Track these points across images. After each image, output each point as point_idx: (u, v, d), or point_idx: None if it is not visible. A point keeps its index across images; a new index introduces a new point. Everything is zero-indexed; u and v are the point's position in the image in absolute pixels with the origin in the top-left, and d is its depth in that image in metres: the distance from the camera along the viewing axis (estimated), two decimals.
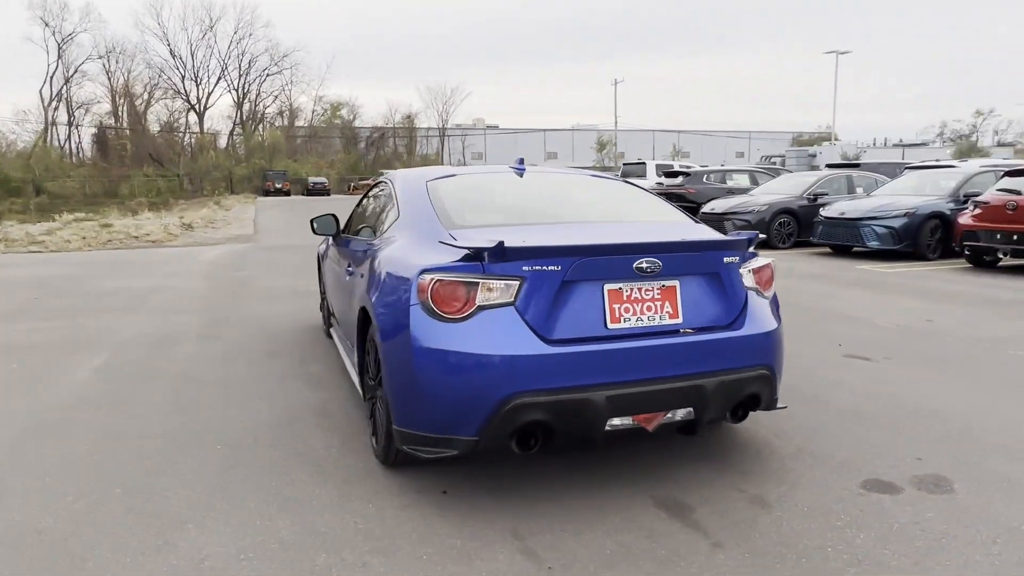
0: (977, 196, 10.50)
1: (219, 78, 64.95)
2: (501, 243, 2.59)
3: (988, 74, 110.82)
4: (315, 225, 4.86)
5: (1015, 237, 9.11)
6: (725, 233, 3.28)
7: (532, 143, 74.90)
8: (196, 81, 60.99)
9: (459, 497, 2.91)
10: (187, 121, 61.77)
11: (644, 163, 21.66)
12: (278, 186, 45.14)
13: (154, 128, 59.37)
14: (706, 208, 13.84)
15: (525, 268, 2.65)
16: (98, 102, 59.72)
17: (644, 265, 2.74)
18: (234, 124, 63.00)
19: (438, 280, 2.69)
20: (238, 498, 2.93)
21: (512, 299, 2.66)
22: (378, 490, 2.99)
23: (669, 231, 3.24)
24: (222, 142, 61.55)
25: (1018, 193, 9.31)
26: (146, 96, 60.14)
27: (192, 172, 50.74)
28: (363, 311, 3.38)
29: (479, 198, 3.62)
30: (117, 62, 59.29)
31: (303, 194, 46.32)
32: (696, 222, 3.56)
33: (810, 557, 2.44)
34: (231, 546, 2.54)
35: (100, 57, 58.24)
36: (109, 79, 58.31)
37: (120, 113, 59.51)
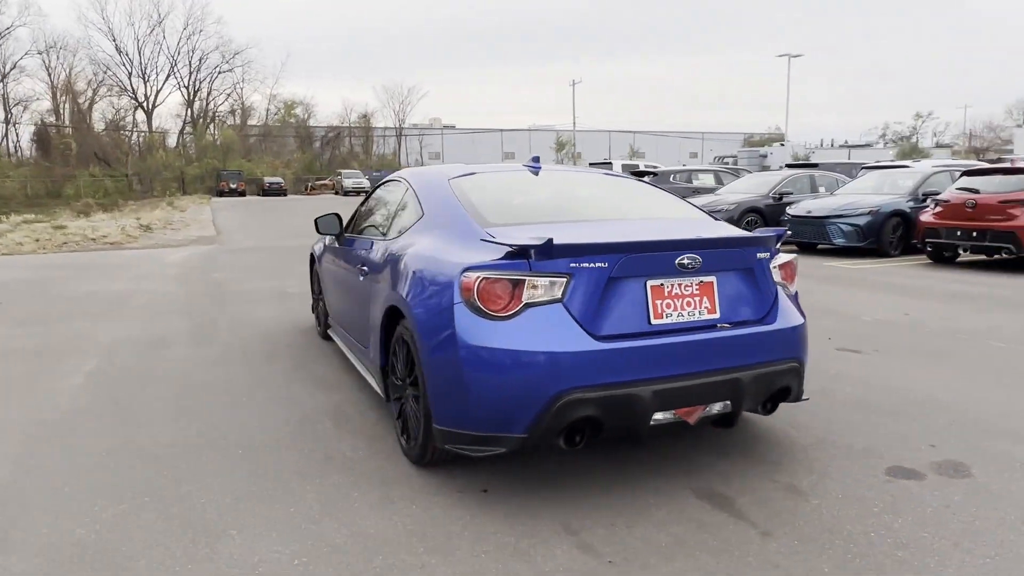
0: (935, 195, 10.96)
1: (168, 75, 63.20)
2: (550, 240, 2.61)
3: (927, 78, 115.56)
4: (319, 225, 4.78)
5: (974, 234, 9.54)
6: None
7: (490, 143, 74.83)
8: (144, 78, 59.05)
9: (502, 495, 2.91)
10: (134, 119, 59.82)
11: (610, 163, 21.90)
12: (233, 186, 44.03)
13: (99, 126, 57.33)
14: None
15: (572, 265, 2.67)
16: (37, 99, 57.38)
17: (685, 261, 2.79)
18: (184, 123, 61.24)
19: (484, 278, 2.69)
20: (275, 503, 2.87)
21: (560, 296, 2.67)
22: (417, 491, 2.97)
23: (703, 228, 3.30)
24: (172, 141, 59.75)
25: (976, 192, 9.75)
26: (90, 93, 58.02)
27: (141, 172, 49.09)
28: (391, 311, 3.35)
29: (505, 196, 3.62)
30: (58, 58, 56.96)
31: (258, 194, 45.34)
32: (716, 219, 3.64)
33: (856, 542, 2.52)
34: (282, 552, 2.49)
35: (40, 52, 55.81)
36: (50, 75, 56.04)
37: (61, 111, 57.23)
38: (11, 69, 54.21)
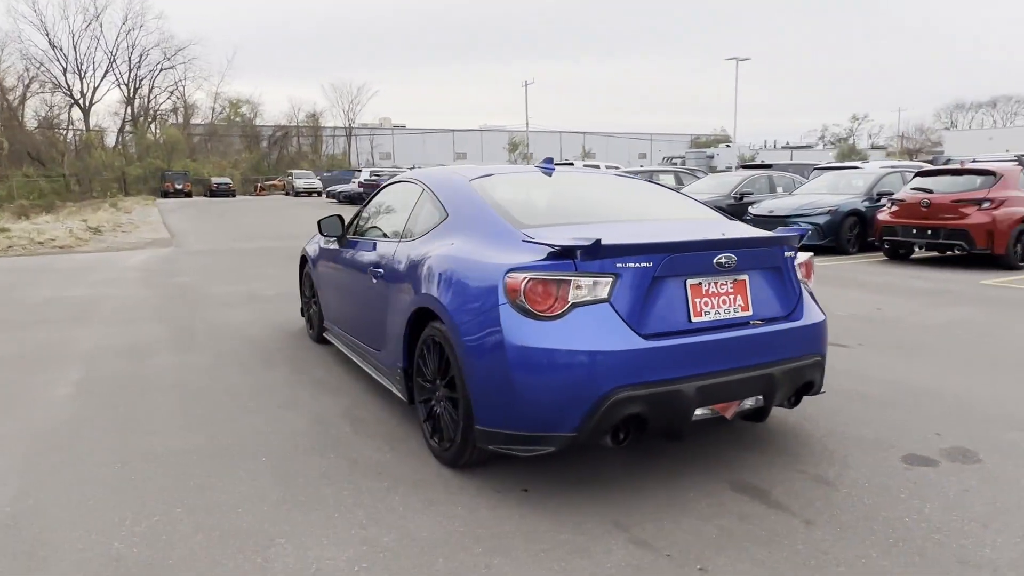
0: (889, 194, 11.45)
1: (106, 71, 60.65)
2: (598, 240, 2.64)
3: (864, 82, 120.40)
4: (322, 226, 4.71)
5: (929, 232, 10.00)
6: None
7: (441, 143, 74.53)
8: (80, 74, 56.52)
9: (544, 494, 2.93)
10: (70, 117, 57.24)
11: (572, 163, 22.09)
12: (179, 187, 42.59)
13: (32, 124, 54.66)
14: None
15: (619, 265, 2.71)
16: None
17: (723, 260, 2.87)
18: (124, 121, 58.89)
19: (531, 279, 2.70)
20: (312, 509, 2.82)
21: (607, 296, 2.71)
22: (456, 492, 2.96)
23: (731, 227, 3.39)
24: (111, 140, 57.46)
25: (930, 192, 10.22)
26: (21, 89, 55.26)
27: (79, 172, 47.06)
28: (419, 313, 3.32)
29: (529, 198, 3.64)
30: None
31: (206, 195, 44.04)
32: (730, 218, 3.74)
33: (894, 527, 2.64)
34: (338, 558, 2.46)
35: None
36: None
37: None
38: None
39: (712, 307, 2.90)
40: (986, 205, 9.51)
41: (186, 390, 4.44)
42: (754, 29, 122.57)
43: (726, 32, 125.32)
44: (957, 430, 3.62)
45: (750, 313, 2.99)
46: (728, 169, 34.23)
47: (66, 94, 55.88)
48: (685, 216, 3.63)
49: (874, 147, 69.82)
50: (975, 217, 9.52)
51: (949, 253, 10.22)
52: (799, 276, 3.25)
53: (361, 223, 4.67)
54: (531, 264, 2.75)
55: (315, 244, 5.48)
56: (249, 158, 59.23)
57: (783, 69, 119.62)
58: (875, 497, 2.88)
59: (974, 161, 12.56)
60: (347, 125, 70.80)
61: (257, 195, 46.91)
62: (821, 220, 11.66)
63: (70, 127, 56.18)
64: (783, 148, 61.36)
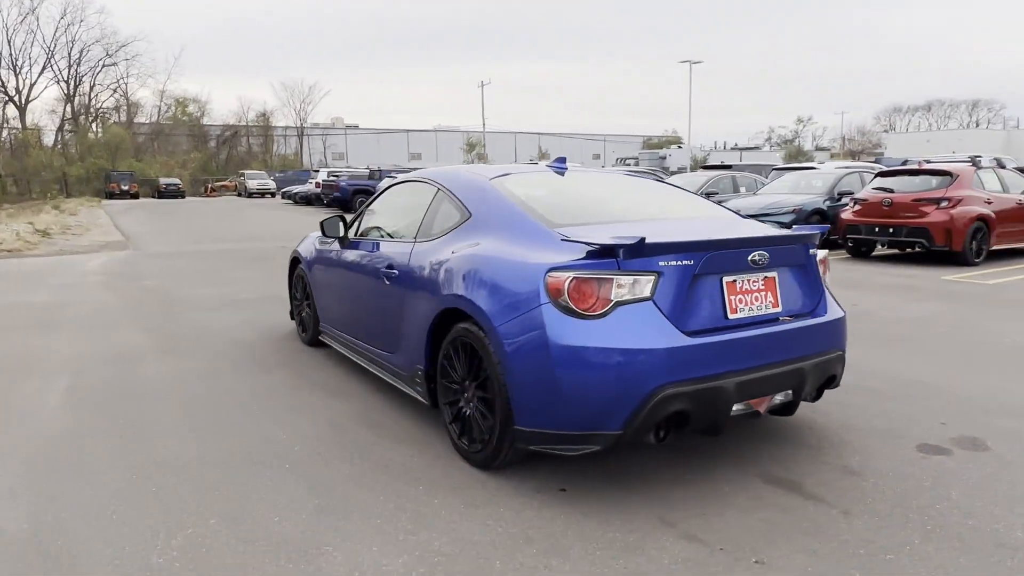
0: (849, 194, 11.85)
1: (44, 67, 58.26)
2: (642, 239, 2.66)
3: (808, 85, 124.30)
4: (324, 227, 4.62)
5: (891, 230, 10.38)
6: None
7: (395, 143, 73.82)
8: (15, 70, 54.11)
9: (583, 492, 2.93)
10: (4, 115, 54.69)
11: (537, 164, 22.12)
12: (124, 188, 41.11)
13: None
14: None
15: (661, 263, 2.74)
16: None
17: (756, 258, 2.92)
18: (63, 119, 56.61)
19: (575, 278, 2.70)
20: (353, 516, 2.77)
21: (650, 294, 2.73)
22: (495, 493, 2.94)
23: (754, 226, 3.45)
24: (49, 139, 55.12)
25: (891, 191, 10.62)
26: None
27: (17, 173, 45.02)
28: (445, 314, 3.28)
29: (551, 197, 3.63)
30: None
31: (153, 196, 42.66)
32: (744, 217, 3.81)
33: (928, 514, 2.73)
34: (392, 564, 2.41)
35: None
36: None
37: None
38: None
39: (746, 304, 2.95)
40: (944, 204, 9.92)
41: (185, 397, 4.29)
42: (702, 32, 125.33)
43: (675, 36, 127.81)
44: (959, 420, 3.77)
45: (780, 309, 3.06)
46: (681, 170, 34.91)
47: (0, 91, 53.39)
48: (707, 215, 3.69)
49: (818, 148, 72.04)
50: (934, 216, 9.92)
51: (909, 250, 10.62)
52: (821, 272, 3.34)
53: (365, 224, 4.59)
54: (573, 263, 2.75)
55: (310, 245, 5.36)
56: (198, 158, 57.68)
57: (729, 72, 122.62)
58: (902, 485, 2.98)
59: (927, 162, 13.08)
60: (299, 125, 69.57)
61: (208, 196, 45.68)
62: (787, 219, 11.95)
63: (5, 125, 53.67)
64: (732, 149, 62.92)
